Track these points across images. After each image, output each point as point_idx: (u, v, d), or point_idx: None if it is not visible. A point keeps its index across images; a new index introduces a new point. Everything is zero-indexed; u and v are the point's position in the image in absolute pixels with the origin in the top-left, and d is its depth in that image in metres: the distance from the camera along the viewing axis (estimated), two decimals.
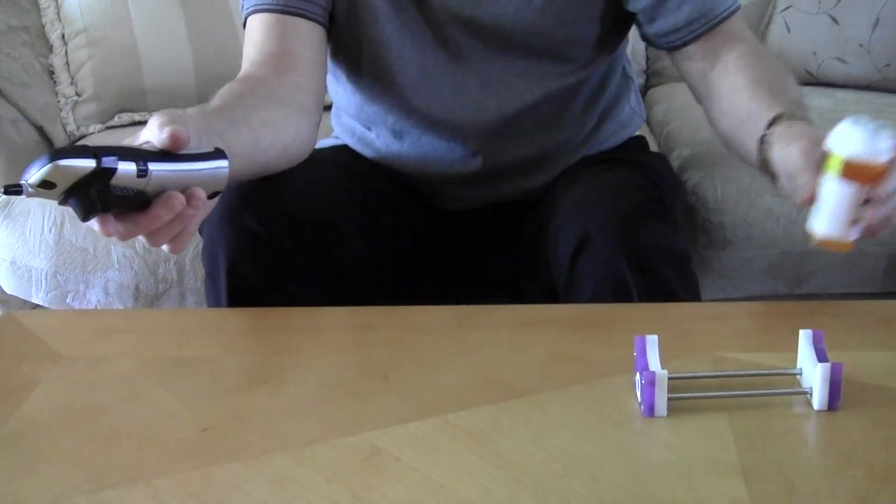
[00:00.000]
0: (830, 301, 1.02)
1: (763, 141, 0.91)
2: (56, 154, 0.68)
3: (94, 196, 0.70)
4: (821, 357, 0.72)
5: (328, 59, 1.12)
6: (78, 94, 1.80)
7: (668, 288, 0.95)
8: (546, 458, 0.67)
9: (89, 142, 1.77)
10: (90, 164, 0.69)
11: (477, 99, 1.09)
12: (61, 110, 1.80)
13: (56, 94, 1.81)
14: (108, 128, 1.81)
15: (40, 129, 1.75)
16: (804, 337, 0.74)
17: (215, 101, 0.89)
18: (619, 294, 0.94)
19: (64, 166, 0.68)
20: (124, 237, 0.73)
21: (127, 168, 0.70)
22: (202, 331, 0.89)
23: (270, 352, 0.85)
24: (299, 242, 0.97)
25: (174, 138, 0.73)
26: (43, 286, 1.46)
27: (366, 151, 1.18)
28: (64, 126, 1.80)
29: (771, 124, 0.91)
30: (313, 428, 0.72)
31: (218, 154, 0.79)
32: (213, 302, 0.98)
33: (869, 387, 0.74)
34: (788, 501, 0.61)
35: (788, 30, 1.80)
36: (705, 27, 1.05)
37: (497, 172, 1.14)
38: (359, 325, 0.88)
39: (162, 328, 0.90)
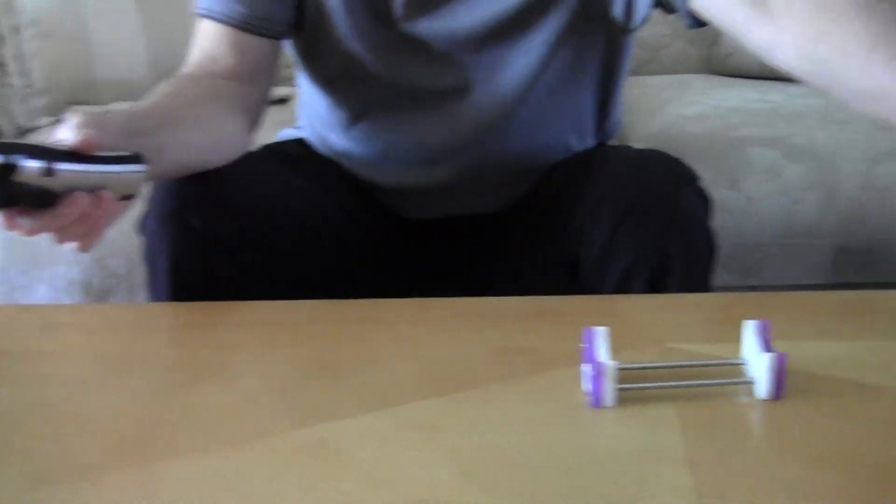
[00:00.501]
0: (779, 292, 1.03)
1: None
2: None
3: None
4: (765, 347, 0.73)
5: (297, 57, 1.12)
6: (28, 87, 1.78)
7: (698, 264, 0.94)
8: (494, 450, 0.67)
9: (39, 135, 1.74)
10: None
11: (449, 115, 1.07)
12: (10, 102, 1.78)
13: (4, 85, 1.78)
14: (58, 121, 1.79)
15: None
16: (749, 328, 0.75)
17: (149, 99, 0.89)
18: (658, 266, 0.92)
19: None
20: (29, 233, 0.74)
21: (32, 166, 0.70)
22: (149, 326, 0.89)
23: (218, 347, 0.84)
24: (243, 240, 0.95)
25: (84, 143, 0.74)
26: None
27: (323, 150, 1.17)
28: (14, 119, 1.77)
29: None
30: (262, 422, 0.71)
31: (134, 158, 0.79)
32: (156, 301, 0.97)
33: (813, 376, 0.76)
34: (732, 489, 0.62)
35: None
36: None
37: (461, 186, 1.12)
38: (307, 320, 0.88)
39: (109, 323, 0.89)
